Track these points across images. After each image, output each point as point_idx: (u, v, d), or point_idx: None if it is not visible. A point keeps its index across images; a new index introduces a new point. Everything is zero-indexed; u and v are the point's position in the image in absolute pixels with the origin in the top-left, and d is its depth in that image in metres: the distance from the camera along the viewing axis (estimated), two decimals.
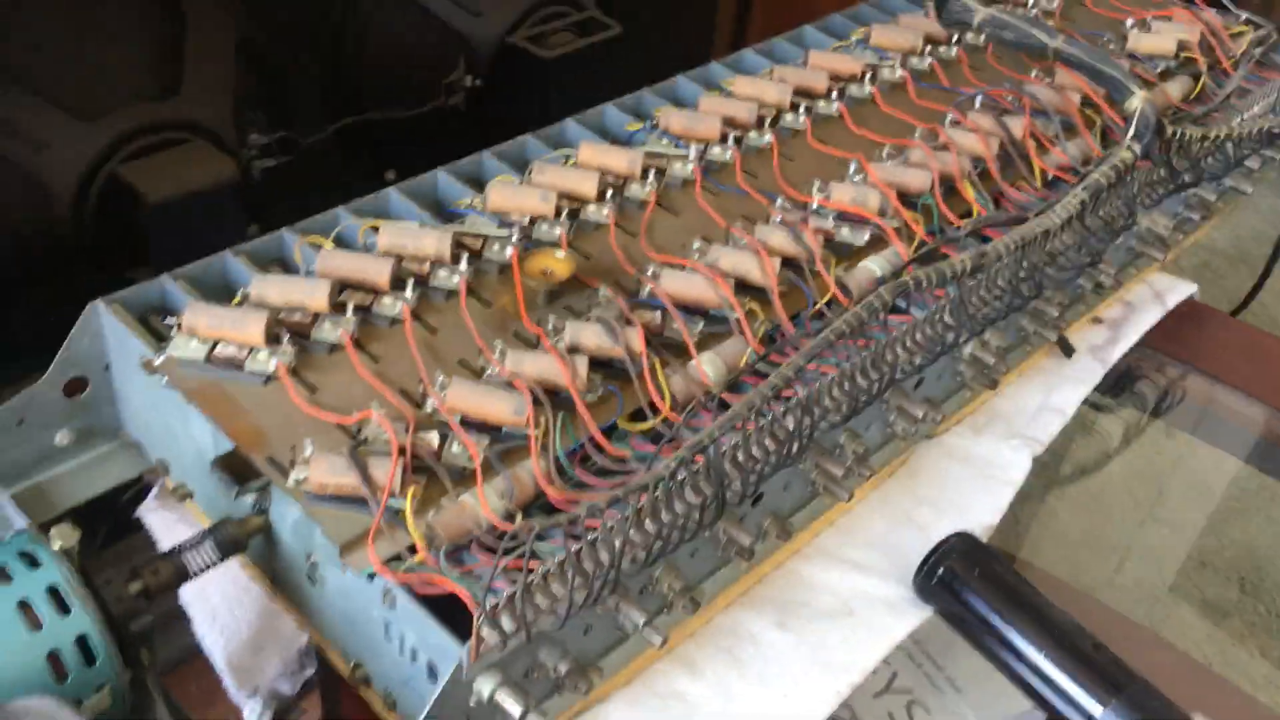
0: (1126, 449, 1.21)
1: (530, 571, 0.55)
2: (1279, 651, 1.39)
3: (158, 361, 0.64)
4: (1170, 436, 1.21)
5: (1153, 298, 1.00)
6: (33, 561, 0.55)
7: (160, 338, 0.67)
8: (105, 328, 0.69)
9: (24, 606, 0.54)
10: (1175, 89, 0.99)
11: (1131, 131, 0.80)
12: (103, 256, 1.05)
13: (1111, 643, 0.71)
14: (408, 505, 0.57)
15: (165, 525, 0.74)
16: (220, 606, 0.72)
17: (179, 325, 0.65)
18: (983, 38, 0.92)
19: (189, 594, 0.71)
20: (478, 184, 0.82)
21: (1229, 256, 2.21)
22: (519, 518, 0.57)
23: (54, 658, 0.53)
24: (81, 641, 0.54)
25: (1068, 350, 0.92)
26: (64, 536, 0.55)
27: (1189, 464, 1.36)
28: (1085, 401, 0.97)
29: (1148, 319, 0.99)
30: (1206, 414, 1.09)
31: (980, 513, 0.81)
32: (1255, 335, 1.08)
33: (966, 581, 0.72)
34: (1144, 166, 0.85)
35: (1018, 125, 0.88)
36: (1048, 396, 0.90)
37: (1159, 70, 1.00)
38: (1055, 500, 1.22)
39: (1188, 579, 1.41)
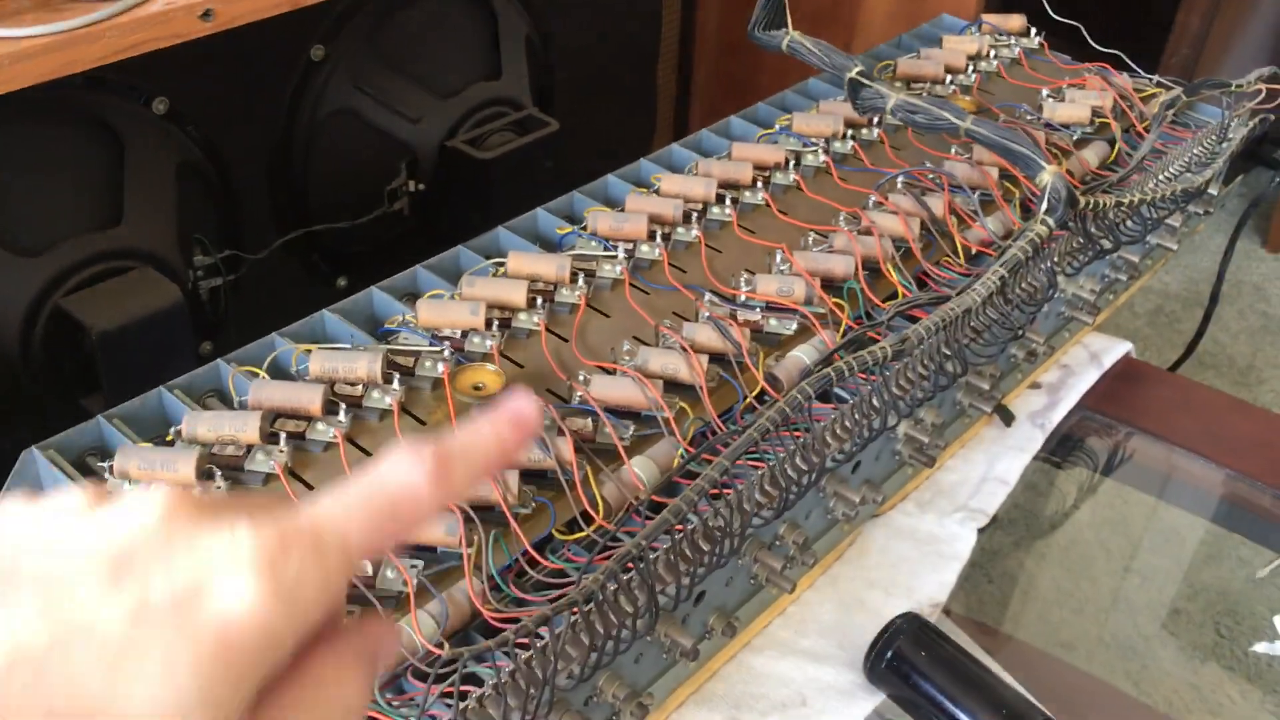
0: (1092, 506, 1.22)
1: (465, 695, 0.55)
2: (1258, 694, 1.39)
3: None
4: (1128, 491, 1.22)
5: (1089, 359, 1.02)
6: None
7: (99, 479, 0.68)
8: (41, 474, 0.69)
9: None
10: (1092, 155, 1.02)
11: (1044, 205, 0.82)
12: (54, 387, 1.06)
13: (1081, 705, 0.71)
14: None
15: None
16: None
17: (111, 470, 0.65)
18: (897, 120, 0.94)
19: None
20: (413, 297, 0.83)
21: (1182, 299, 2.25)
22: (446, 646, 0.57)
23: None
24: None
25: (1007, 419, 0.94)
26: None
27: (1158, 516, 1.37)
28: (1040, 460, 0.98)
29: (1085, 380, 1.00)
30: (1169, 480, 1.10)
31: (928, 590, 0.82)
32: (1192, 389, 1.10)
33: (915, 664, 0.73)
34: (1062, 235, 0.87)
35: (938, 204, 0.91)
36: (990, 466, 0.92)
37: (1075, 138, 1.03)
38: (1025, 557, 1.22)
39: (1165, 627, 1.41)
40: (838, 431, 0.72)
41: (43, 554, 0.30)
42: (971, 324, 0.79)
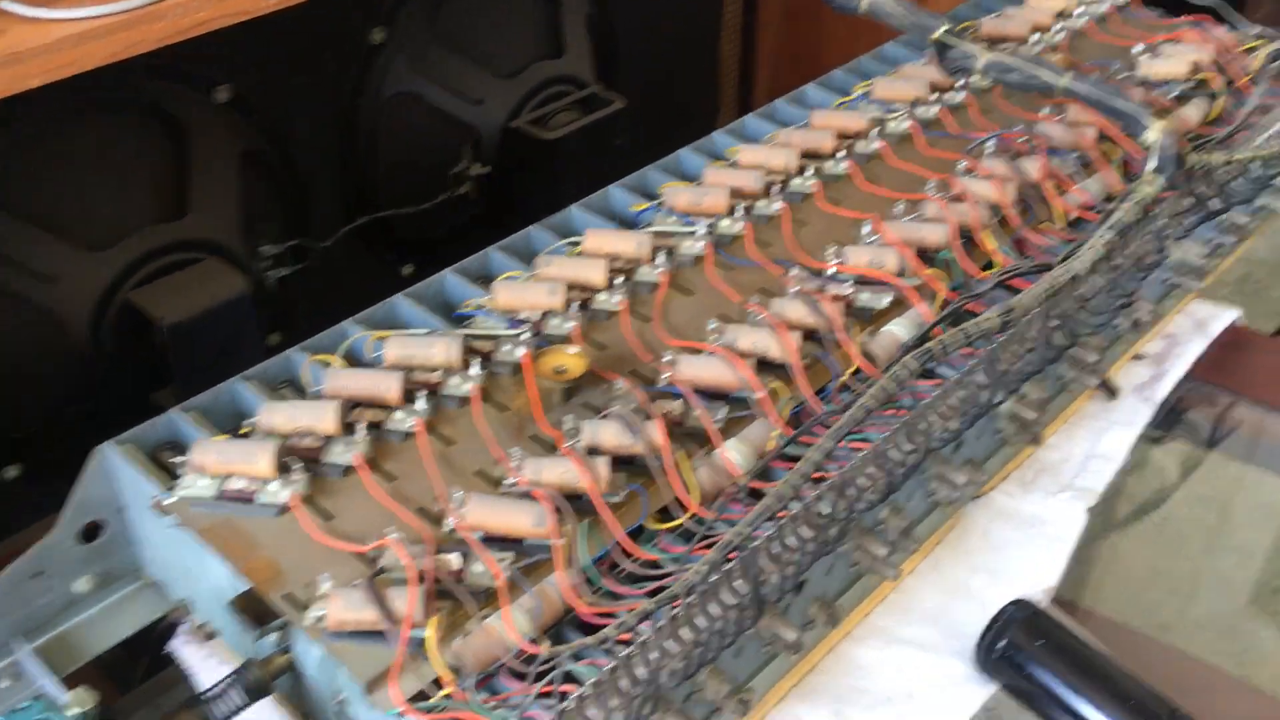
0: (1189, 480, 1.17)
1: (565, 696, 0.52)
2: None
3: (168, 502, 0.63)
4: (1227, 465, 1.17)
5: (1194, 327, 0.97)
6: None
7: (173, 474, 0.66)
8: (116, 470, 0.67)
9: None
10: (1193, 112, 0.96)
11: (1153, 164, 0.78)
12: (124, 382, 1.04)
13: (1186, 688, 0.67)
14: (430, 635, 0.54)
15: (198, 659, 0.72)
16: None
17: (187, 464, 0.63)
18: (988, 82, 0.89)
19: None
20: (487, 280, 0.80)
21: (1270, 265, 2.16)
22: (545, 643, 0.54)
23: None
24: None
25: (1111, 393, 0.89)
26: (81, 701, 0.53)
27: (1252, 488, 1.31)
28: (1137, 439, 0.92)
29: (1192, 350, 0.95)
30: (1259, 443, 1.04)
31: (1037, 575, 0.77)
32: None
33: (1030, 654, 0.68)
34: (1169, 198, 0.82)
35: (1034, 167, 0.86)
36: (1095, 443, 0.87)
37: (1174, 95, 0.97)
38: (1118, 537, 1.17)
39: (1263, 605, 1.36)
40: (942, 409, 0.68)
41: None
42: (1078, 292, 0.74)
